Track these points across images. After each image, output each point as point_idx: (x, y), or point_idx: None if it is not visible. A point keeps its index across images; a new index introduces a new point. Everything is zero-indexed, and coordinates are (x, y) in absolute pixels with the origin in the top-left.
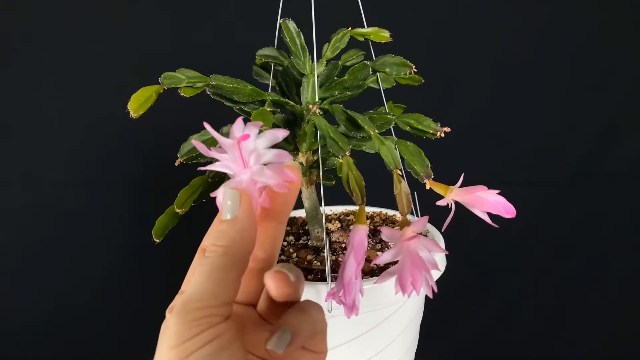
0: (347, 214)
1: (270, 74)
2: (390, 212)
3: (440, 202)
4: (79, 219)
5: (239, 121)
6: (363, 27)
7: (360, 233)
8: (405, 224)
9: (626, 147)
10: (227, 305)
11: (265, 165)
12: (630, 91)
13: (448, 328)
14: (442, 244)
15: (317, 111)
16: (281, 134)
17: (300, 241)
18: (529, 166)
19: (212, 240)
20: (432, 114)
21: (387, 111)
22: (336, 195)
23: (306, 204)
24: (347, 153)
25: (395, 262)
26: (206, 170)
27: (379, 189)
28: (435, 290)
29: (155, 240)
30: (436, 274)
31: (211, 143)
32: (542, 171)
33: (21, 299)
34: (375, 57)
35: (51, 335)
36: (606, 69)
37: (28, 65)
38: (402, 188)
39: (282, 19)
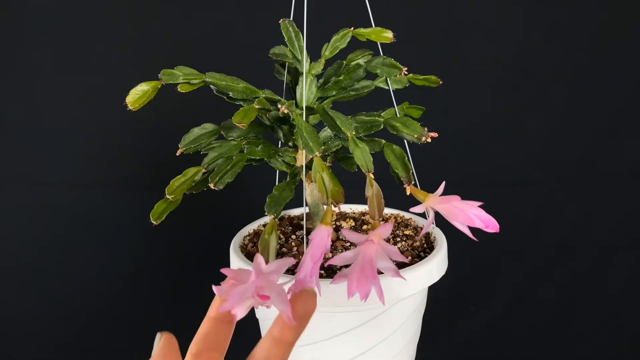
0: (364, 214)
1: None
2: (407, 215)
3: (414, 209)
4: (80, 218)
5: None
6: (370, 27)
7: (321, 233)
8: (375, 227)
9: (626, 147)
10: None
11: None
12: (630, 91)
13: (448, 328)
14: (445, 245)
15: (285, 111)
16: (289, 263)
17: (309, 236)
18: (529, 166)
19: None
20: (432, 113)
21: (397, 113)
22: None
23: (309, 200)
24: (318, 154)
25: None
26: (200, 162)
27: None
28: (383, 302)
29: (153, 222)
30: (398, 283)
31: (210, 136)
32: (542, 171)
33: (21, 299)
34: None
35: (50, 335)
36: (606, 68)
37: (28, 64)
38: (374, 191)
39: (281, 20)
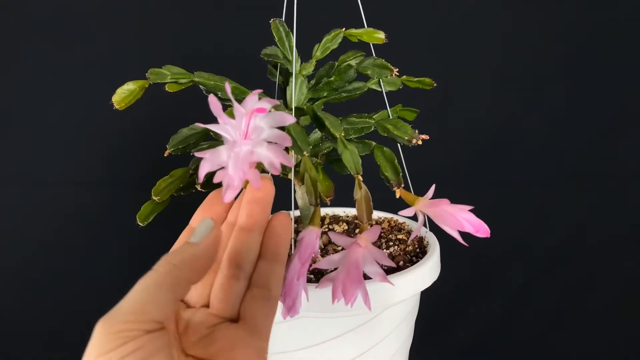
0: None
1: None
2: (401, 219)
3: (404, 212)
4: (79, 218)
5: (255, 94)
6: (363, 28)
7: (310, 234)
8: (363, 230)
9: (626, 147)
10: (154, 322)
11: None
12: (630, 91)
13: (447, 329)
14: (437, 249)
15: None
16: (289, 120)
17: (297, 237)
18: (529, 166)
19: (167, 256)
20: (433, 115)
21: (390, 114)
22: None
23: (300, 202)
24: (306, 153)
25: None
26: (190, 162)
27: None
28: (369, 308)
29: (140, 223)
30: (385, 288)
31: (198, 137)
32: (541, 171)
33: (20, 298)
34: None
35: (50, 335)
36: (607, 68)
37: (27, 64)
38: (362, 194)
39: (271, 19)
